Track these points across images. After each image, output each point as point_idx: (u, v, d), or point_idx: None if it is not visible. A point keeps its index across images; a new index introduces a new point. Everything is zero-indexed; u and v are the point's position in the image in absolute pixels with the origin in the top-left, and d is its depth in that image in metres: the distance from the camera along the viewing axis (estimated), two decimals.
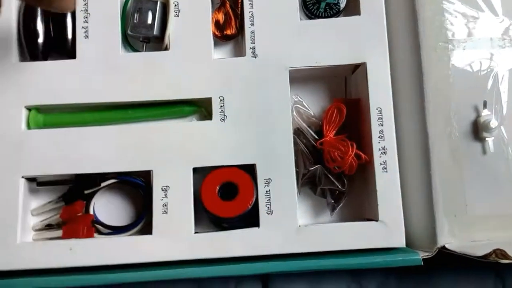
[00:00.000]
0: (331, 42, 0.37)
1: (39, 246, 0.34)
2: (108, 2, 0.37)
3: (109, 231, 0.36)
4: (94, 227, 0.36)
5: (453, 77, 0.35)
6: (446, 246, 0.33)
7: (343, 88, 0.40)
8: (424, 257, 0.33)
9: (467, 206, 0.34)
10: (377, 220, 0.34)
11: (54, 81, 0.36)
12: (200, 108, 0.38)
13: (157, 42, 0.38)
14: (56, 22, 0.37)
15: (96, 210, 0.36)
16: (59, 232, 0.36)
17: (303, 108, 0.38)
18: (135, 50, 0.38)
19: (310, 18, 0.39)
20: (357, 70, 0.38)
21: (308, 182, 0.37)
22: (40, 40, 0.37)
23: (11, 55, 0.36)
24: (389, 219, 0.34)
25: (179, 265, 0.33)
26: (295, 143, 0.36)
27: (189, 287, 0.37)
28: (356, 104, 0.38)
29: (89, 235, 0.35)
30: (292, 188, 0.35)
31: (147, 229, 0.35)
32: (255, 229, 0.34)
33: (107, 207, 0.37)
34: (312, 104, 0.39)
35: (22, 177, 0.35)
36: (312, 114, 0.39)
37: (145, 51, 0.38)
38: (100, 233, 0.36)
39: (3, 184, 0.34)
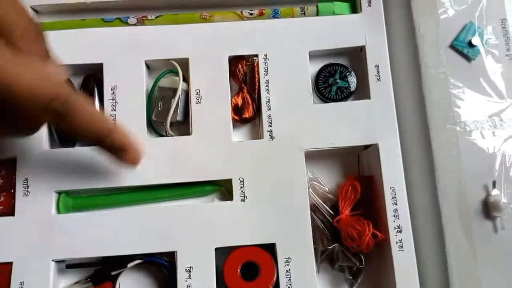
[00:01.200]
0: (344, 124, 0.39)
1: None
2: (134, 91, 0.39)
3: None
4: None
5: (462, 157, 0.37)
6: None
7: (356, 164, 0.42)
8: None
9: (482, 284, 0.35)
10: None
11: (83, 167, 0.38)
12: (221, 187, 0.39)
13: (179, 126, 0.40)
14: None
15: None
16: None
17: (318, 184, 0.40)
18: (159, 134, 0.41)
19: (322, 101, 0.41)
20: (369, 148, 0.40)
21: (326, 259, 0.38)
22: None
23: (42, 143, 0.39)
24: None
25: None
26: (312, 219, 0.38)
27: None
28: (370, 181, 0.40)
29: None
30: (312, 266, 0.36)
31: None
32: None
33: (135, 287, 0.38)
34: (326, 180, 0.41)
35: (52, 260, 0.36)
36: (327, 190, 0.40)
37: (167, 135, 0.40)
38: None
39: (35, 267, 0.36)
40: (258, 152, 0.38)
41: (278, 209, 0.37)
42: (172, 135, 0.39)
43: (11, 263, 0.36)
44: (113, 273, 0.37)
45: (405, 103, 0.39)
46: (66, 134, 0.35)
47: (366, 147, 0.40)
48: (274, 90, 0.40)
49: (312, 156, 0.40)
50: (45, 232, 0.37)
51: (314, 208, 0.39)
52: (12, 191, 0.38)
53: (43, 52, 0.31)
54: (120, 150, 0.35)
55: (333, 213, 0.39)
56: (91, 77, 0.41)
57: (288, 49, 0.40)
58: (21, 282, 0.36)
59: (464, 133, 0.38)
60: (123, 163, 0.36)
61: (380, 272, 0.38)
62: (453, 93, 0.38)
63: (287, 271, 0.36)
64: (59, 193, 0.38)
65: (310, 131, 0.39)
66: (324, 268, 0.39)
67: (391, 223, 0.36)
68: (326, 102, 0.41)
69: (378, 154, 0.38)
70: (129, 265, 0.37)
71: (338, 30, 0.41)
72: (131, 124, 0.39)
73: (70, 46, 0.40)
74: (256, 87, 0.40)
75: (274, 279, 0.36)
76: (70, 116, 0.30)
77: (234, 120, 0.40)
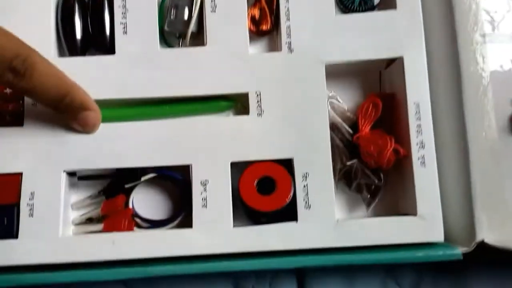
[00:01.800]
0: (368, 36, 0.37)
1: (81, 239, 0.34)
2: None
3: (148, 225, 0.37)
4: (134, 221, 0.36)
5: (490, 72, 0.35)
6: (485, 240, 0.33)
7: (375, 83, 0.40)
8: (464, 252, 0.33)
9: (506, 200, 0.34)
10: (415, 215, 0.34)
11: (93, 77, 0.36)
12: (236, 103, 0.38)
13: (193, 37, 0.38)
14: (94, 18, 0.38)
15: (135, 204, 0.37)
16: (98, 226, 0.36)
17: (337, 102, 0.39)
18: (170, 46, 0.39)
19: (344, 12, 0.39)
20: (392, 64, 0.38)
21: (344, 177, 0.37)
22: (79, 35, 0.38)
23: (50, 51, 0.37)
24: (427, 214, 0.34)
25: (216, 259, 0.34)
26: (330, 138, 0.36)
27: (225, 281, 0.38)
28: (391, 99, 0.38)
29: (130, 229, 0.35)
30: (330, 182, 0.35)
31: (186, 223, 0.36)
32: (293, 223, 0.35)
33: (146, 201, 0.37)
34: (345, 99, 0.39)
35: (64, 171, 0.35)
36: (346, 108, 0.39)
37: (180, 47, 0.38)
38: (139, 227, 0.37)
39: (46, 178, 0.35)
40: (276, 65, 0.37)
41: (296, 124, 0.36)
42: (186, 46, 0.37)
43: (21, 173, 0.35)
44: (126, 186, 0.36)
45: (433, 13, 0.36)
46: (25, 95, 0.34)
47: (389, 64, 0.38)
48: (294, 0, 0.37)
49: (331, 74, 0.37)
50: (56, 142, 0.35)
51: (332, 127, 0.38)
52: (21, 101, 0.37)
53: None
54: (80, 110, 0.34)
55: (351, 132, 0.38)
56: None
57: None
58: (31, 193, 0.35)
59: (493, 46, 0.36)
60: (82, 125, 0.35)
61: (398, 190, 0.37)
62: (484, 2, 0.36)
63: (304, 186, 0.35)
64: None
65: (331, 43, 0.37)
66: (340, 189, 0.38)
67: (414, 139, 0.35)
68: (348, 13, 0.38)
69: (402, 68, 0.36)
70: (143, 178, 0.36)
71: None
72: (142, 34, 0.37)
73: None
74: None
75: (291, 194, 0.35)
76: (30, 74, 0.31)
77: (250, 32, 0.38)
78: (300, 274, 0.38)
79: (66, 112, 0.34)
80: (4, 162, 0.35)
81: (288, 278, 0.38)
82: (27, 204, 0.35)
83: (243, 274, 0.38)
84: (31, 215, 0.34)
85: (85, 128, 0.35)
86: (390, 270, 0.38)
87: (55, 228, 0.34)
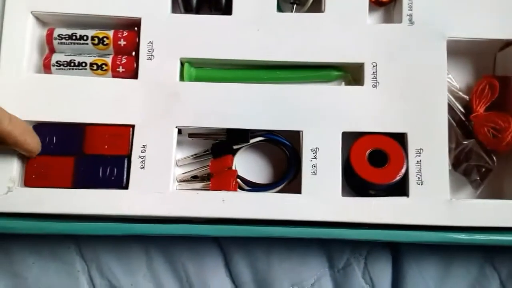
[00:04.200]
0: (492, 16, 0.36)
1: (192, 195, 0.34)
2: None
3: (250, 187, 0.36)
4: (237, 182, 0.36)
5: None
6: None
7: (487, 65, 0.39)
8: None
9: None
10: None
11: (209, 36, 0.36)
12: (347, 74, 0.37)
13: (305, 3, 0.38)
14: None
15: (239, 166, 0.37)
16: (201, 185, 0.36)
17: (449, 81, 0.38)
18: (281, 11, 0.38)
19: None
20: (508, 47, 0.37)
21: (453, 157, 0.37)
22: None
23: (167, 7, 0.37)
24: None
25: (323, 226, 0.34)
26: None
27: (319, 251, 0.38)
28: (508, 82, 0.37)
29: (234, 189, 0.35)
30: (444, 160, 0.34)
31: (288, 189, 0.35)
32: (404, 198, 0.34)
33: (250, 164, 0.37)
34: (456, 79, 0.38)
35: (176, 127, 0.35)
36: (458, 87, 0.38)
37: (294, 12, 0.38)
38: (241, 188, 0.37)
39: (158, 132, 0.35)
40: (395, 37, 0.36)
41: (413, 98, 0.35)
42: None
43: (133, 125, 0.35)
44: (235, 147, 0.36)
45: None
46: None
47: (503, 47, 0.37)
48: None
49: None
50: (169, 98, 0.35)
51: None
52: (134, 54, 0.37)
53: None
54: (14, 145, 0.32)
55: (464, 112, 0.37)
56: None
57: None
58: (143, 145, 0.35)
59: None
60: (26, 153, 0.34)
61: (506, 175, 0.36)
62: None
63: (417, 161, 0.34)
64: (183, 62, 0.37)
65: (454, 19, 0.36)
66: None
67: None
68: None
69: None
70: (252, 140, 0.36)
71: None
72: None
73: None
74: None
75: (404, 168, 0.34)
76: None
77: (369, 2, 0.37)
78: (396, 251, 0.38)
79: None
80: (117, 114, 0.35)
81: (384, 254, 0.38)
82: (139, 156, 0.35)
83: (339, 245, 0.38)
84: (142, 167, 0.35)
85: (27, 152, 0.34)
86: (489, 254, 0.37)
87: (166, 182, 0.34)
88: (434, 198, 0.34)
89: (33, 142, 0.34)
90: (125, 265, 0.37)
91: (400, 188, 0.35)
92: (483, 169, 0.36)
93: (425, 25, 0.36)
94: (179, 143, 0.37)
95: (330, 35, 0.36)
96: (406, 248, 0.38)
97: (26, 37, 0.36)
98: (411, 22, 0.36)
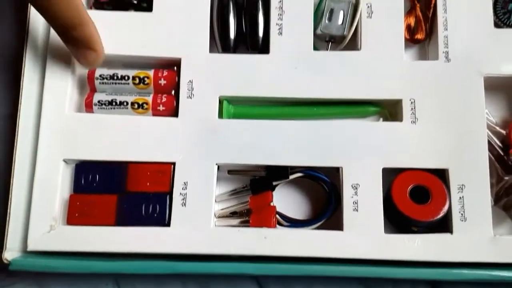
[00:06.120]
0: None
1: (234, 232, 0.34)
2: (302, 1, 0.38)
3: (289, 223, 0.36)
4: (276, 218, 0.36)
5: None
6: None
7: None
8: None
9: None
10: None
11: (247, 74, 0.37)
12: (384, 110, 0.38)
13: (341, 41, 0.38)
14: (248, 17, 0.39)
15: (278, 201, 0.37)
16: (239, 221, 0.36)
17: (486, 116, 0.38)
18: (316, 48, 0.39)
19: (499, 26, 0.38)
20: None
21: (495, 193, 0.36)
22: (232, 34, 0.38)
23: (205, 47, 0.38)
24: None
25: (364, 263, 0.33)
26: None
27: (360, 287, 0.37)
28: None
29: (274, 226, 0.35)
30: (487, 195, 0.34)
31: (327, 226, 0.35)
32: (447, 235, 0.34)
33: (289, 199, 0.38)
34: (492, 113, 0.38)
35: (216, 164, 0.36)
36: (495, 122, 0.38)
37: (329, 50, 0.39)
38: (280, 224, 0.36)
39: (199, 170, 0.35)
40: (432, 74, 0.36)
41: (452, 134, 0.35)
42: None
43: (174, 163, 0.36)
44: (274, 183, 0.36)
45: None
46: (40, 12, 0.33)
47: None
48: (452, 10, 0.37)
49: None
50: (209, 135, 0.36)
51: None
52: (173, 92, 0.38)
53: None
54: (84, 46, 0.34)
55: (502, 147, 0.37)
56: None
57: None
58: (185, 183, 0.35)
59: None
60: (80, 59, 0.35)
61: None
62: None
63: (460, 198, 0.34)
64: (221, 100, 0.37)
65: (491, 56, 0.36)
66: None
67: None
68: (502, 28, 0.38)
69: None
70: (291, 176, 0.36)
71: None
72: (297, 36, 0.37)
73: None
74: (432, 5, 0.38)
75: (447, 205, 0.34)
76: None
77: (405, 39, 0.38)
78: (435, 284, 0.37)
79: (71, 43, 0.34)
80: (158, 151, 0.36)
81: None
82: (180, 193, 0.35)
83: (379, 283, 0.37)
84: (183, 204, 0.35)
85: (82, 63, 0.36)
86: None
87: (207, 219, 0.35)
88: (478, 235, 0.34)
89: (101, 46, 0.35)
90: None
91: (443, 224, 0.35)
92: None
93: (461, 62, 0.36)
94: (218, 178, 0.37)
95: (367, 72, 0.37)
96: (448, 287, 0.37)
97: (68, 76, 0.37)
98: (447, 59, 0.36)
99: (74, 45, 0.34)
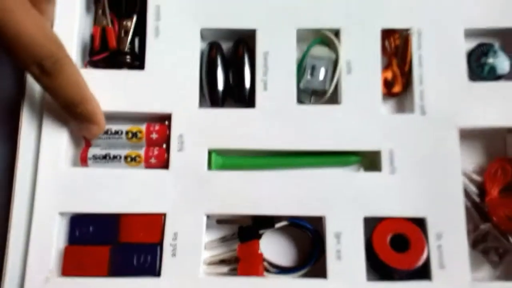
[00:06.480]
0: (499, 104, 0.38)
1: (222, 281, 0.36)
2: (286, 59, 0.40)
3: (276, 270, 0.38)
4: (264, 265, 0.38)
5: None
6: None
7: (499, 148, 0.41)
8: None
9: None
10: None
11: (234, 127, 0.39)
12: (364, 159, 0.40)
13: (323, 95, 0.41)
14: (235, 72, 0.41)
15: (265, 249, 0.38)
16: (231, 268, 0.38)
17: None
18: (300, 102, 0.41)
19: (473, 79, 0.40)
20: None
21: (472, 239, 0.38)
22: (220, 87, 0.41)
23: (195, 101, 0.40)
24: None
25: None
26: None
27: None
28: None
29: (262, 274, 0.37)
30: (464, 243, 0.36)
31: (312, 272, 0.37)
32: (427, 282, 0.35)
33: (275, 247, 0.39)
34: (468, 161, 0.40)
35: (205, 214, 0.37)
36: (471, 169, 0.40)
37: (312, 103, 0.41)
38: (267, 271, 0.38)
39: (188, 220, 0.37)
40: (409, 126, 0.38)
41: (429, 184, 0.37)
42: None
43: (164, 214, 0.37)
44: (260, 231, 0.38)
45: None
46: (44, 89, 0.36)
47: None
48: (427, 66, 0.39)
49: None
50: (198, 186, 0.38)
51: None
52: (164, 146, 0.39)
53: (49, 15, 0.37)
54: (87, 121, 0.37)
55: (478, 193, 0.39)
56: (242, 43, 0.41)
57: (442, 24, 0.40)
58: (175, 233, 0.37)
59: None
60: (83, 132, 0.38)
61: None
62: None
63: (438, 245, 0.36)
64: (210, 152, 0.39)
65: (465, 109, 0.38)
66: None
67: None
68: (476, 81, 0.40)
69: None
70: (277, 225, 0.38)
71: (494, 10, 0.40)
72: (281, 91, 0.39)
73: (221, 10, 0.41)
74: (408, 60, 0.40)
75: (425, 254, 0.36)
76: (56, 76, 0.33)
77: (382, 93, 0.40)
78: None
79: (75, 118, 0.37)
80: (149, 202, 0.37)
81: None
82: (170, 244, 0.37)
83: None
84: (173, 255, 0.36)
85: (85, 135, 0.38)
86: None
87: (196, 269, 0.36)
88: (457, 281, 0.35)
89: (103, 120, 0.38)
90: None
91: (423, 271, 0.36)
92: (501, 250, 0.37)
93: (436, 115, 0.38)
94: (207, 226, 0.38)
95: (347, 125, 0.39)
96: None
97: (64, 132, 0.39)
98: (423, 112, 0.38)
99: (77, 119, 0.37)
